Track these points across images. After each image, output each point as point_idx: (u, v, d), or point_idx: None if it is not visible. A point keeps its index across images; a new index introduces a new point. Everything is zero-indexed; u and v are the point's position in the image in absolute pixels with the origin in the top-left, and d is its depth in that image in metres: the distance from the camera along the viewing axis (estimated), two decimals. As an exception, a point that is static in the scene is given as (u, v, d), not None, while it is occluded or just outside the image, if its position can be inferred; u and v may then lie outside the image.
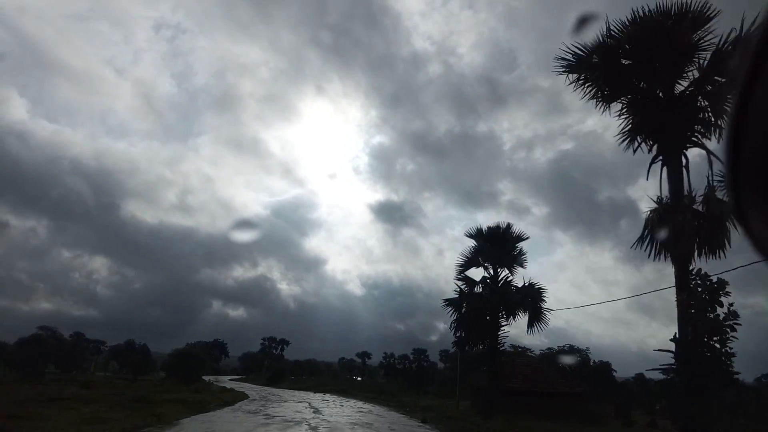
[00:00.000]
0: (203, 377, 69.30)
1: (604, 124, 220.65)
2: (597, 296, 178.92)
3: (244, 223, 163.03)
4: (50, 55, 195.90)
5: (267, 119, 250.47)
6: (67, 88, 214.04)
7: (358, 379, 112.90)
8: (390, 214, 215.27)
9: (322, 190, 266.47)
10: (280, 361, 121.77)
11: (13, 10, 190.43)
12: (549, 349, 50.41)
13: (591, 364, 49.76)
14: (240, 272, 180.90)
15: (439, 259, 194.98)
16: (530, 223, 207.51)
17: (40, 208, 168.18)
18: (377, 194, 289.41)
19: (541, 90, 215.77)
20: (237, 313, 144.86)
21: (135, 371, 67.52)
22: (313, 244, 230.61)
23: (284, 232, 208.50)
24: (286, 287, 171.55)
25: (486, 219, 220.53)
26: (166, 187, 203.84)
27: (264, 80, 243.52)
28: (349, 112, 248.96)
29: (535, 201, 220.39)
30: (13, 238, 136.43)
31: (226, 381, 78.51)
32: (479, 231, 30.74)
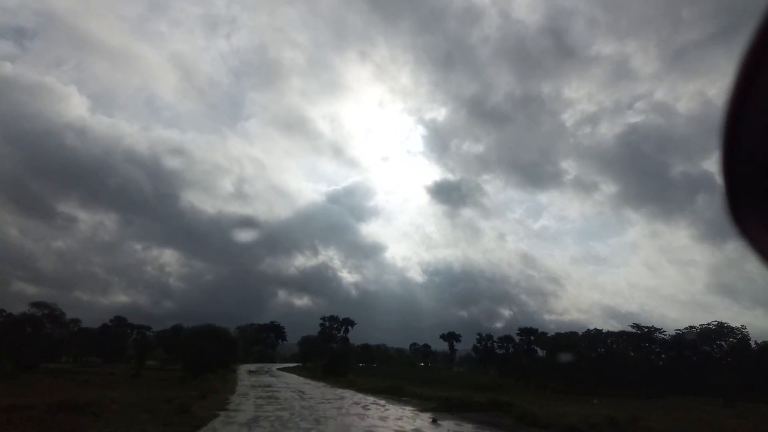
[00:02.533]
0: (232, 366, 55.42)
1: (676, 95, 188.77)
2: (672, 278, 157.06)
3: (300, 213, 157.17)
4: (83, 31, 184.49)
5: (312, 95, 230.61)
6: (106, 69, 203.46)
7: (458, 370, 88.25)
8: (447, 195, 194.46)
9: (375, 170, 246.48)
10: (345, 345, 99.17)
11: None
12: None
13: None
14: (302, 261, 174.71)
15: (500, 243, 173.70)
16: (598, 202, 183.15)
17: (106, 203, 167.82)
18: (432, 173, 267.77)
19: (605, 58, 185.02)
20: (302, 301, 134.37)
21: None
22: (371, 230, 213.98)
23: (341, 218, 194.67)
24: (347, 275, 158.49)
25: (549, 200, 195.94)
26: (221, 175, 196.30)
27: (305, 50, 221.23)
28: (398, 80, 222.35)
29: (603, 179, 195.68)
30: (84, 232, 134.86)
31: (271, 370, 55.46)
32: None
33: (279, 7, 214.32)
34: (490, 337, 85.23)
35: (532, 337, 75.89)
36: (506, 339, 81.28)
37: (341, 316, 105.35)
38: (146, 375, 52.12)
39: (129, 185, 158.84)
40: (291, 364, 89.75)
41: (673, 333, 60.15)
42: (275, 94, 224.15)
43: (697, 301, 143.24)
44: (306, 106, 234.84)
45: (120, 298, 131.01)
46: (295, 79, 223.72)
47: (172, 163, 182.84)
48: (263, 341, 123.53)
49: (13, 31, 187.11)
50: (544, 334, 73.84)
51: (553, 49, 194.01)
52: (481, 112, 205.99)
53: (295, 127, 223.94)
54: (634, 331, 62.21)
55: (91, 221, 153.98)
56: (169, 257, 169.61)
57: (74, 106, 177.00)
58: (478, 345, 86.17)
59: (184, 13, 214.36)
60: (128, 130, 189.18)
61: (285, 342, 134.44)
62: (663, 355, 59.79)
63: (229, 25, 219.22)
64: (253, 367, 72.86)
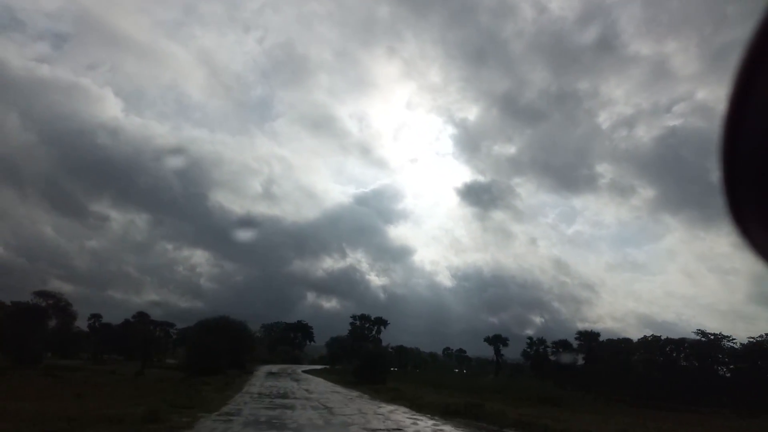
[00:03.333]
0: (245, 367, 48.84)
1: (716, 96, 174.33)
2: (711, 286, 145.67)
3: (328, 215, 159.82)
4: (116, 29, 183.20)
5: (339, 92, 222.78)
6: (137, 68, 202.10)
7: (493, 377, 79.18)
8: (477, 197, 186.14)
9: (403, 171, 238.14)
10: (377, 346, 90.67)
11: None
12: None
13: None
14: (330, 263, 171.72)
15: (532, 247, 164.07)
16: (634, 207, 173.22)
17: (137, 202, 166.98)
18: (462, 174, 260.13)
19: (643, 58, 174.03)
20: (330, 304, 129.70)
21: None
22: (399, 232, 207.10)
23: (369, 220, 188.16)
24: (375, 278, 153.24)
25: (583, 204, 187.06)
26: (249, 175, 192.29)
27: (332, 45, 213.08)
28: (427, 76, 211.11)
29: (640, 183, 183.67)
30: (117, 231, 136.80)
31: (295, 372, 47.51)
32: None
33: (306, 2, 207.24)
34: (542, 341, 75.52)
35: (592, 343, 66.07)
36: (562, 344, 71.53)
37: (373, 316, 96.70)
38: (152, 374, 44.94)
39: (159, 185, 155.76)
40: (318, 366, 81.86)
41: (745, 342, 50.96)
42: (303, 91, 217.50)
43: (737, 311, 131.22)
44: (333, 104, 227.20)
45: (152, 297, 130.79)
46: (323, 75, 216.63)
47: (201, 162, 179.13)
48: (290, 341, 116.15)
49: (52, 35, 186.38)
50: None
51: (589, 45, 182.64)
52: (513, 110, 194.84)
53: (323, 125, 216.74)
54: (698, 338, 53.51)
55: (123, 220, 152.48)
56: (199, 257, 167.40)
57: (108, 107, 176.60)
58: (528, 350, 76.54)
59: (211, 10, 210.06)
60: (159, 130, 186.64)
61: (313, 343, 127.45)
62: (731, 366, 51.85)
63: (257, 21, 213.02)
64: (275, 368, 65.15)
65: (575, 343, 68.24)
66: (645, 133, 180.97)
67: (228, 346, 44.02)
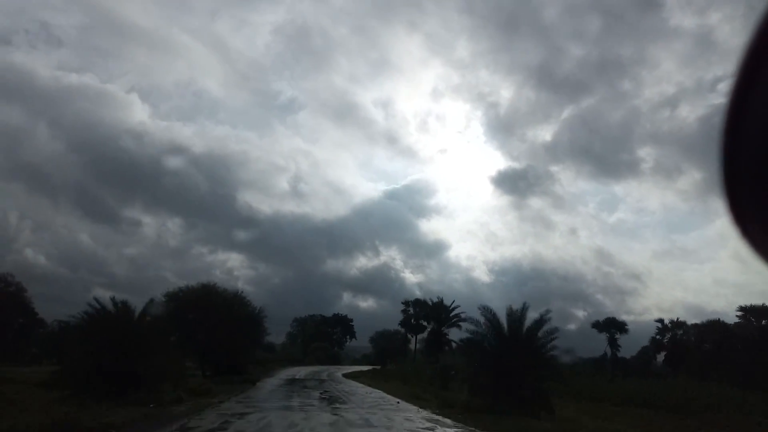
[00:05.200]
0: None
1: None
2: (766, 273, 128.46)
3: (358, 210, 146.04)
4: (121, 19, 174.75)
5: (360, 77, 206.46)
6: (155, 63, 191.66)
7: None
8: (513, 184, 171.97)
9: (434, 161, 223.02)
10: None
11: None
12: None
13: None
14: (363, 261, 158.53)
15: (572, 238, 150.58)
16: (679, 190, 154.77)
17: (168, 206, 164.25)
18: (496, 161, 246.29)
19: (686, 33, 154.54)
20: (366, 303, 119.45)
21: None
22: (433, 227, 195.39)
23: (401, 216, 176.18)
24: (410, 275, 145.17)
25: (625, 191, 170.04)
26: (276, 172, 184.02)
27: (349, 24, 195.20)
28: (453, 51, 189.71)
29: (686, 165, 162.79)
30: (151, 236, 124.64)
31: (333, 377, 26.55)
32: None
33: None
34: (680, 324, 52.98)
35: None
36: (705, 327, 48.98)
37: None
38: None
39: (188, 187, 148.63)
40: (364, 367, 61.42)
41: None
42: (323, 78, 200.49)
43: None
44: (355, 90, 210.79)
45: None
46: (342, 59, 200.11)
47: (227, 162, 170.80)
48: (327, 337, 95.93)
49: (77, 43, 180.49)
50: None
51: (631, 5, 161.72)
52: (549, 84, 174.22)
53: (346, 115, 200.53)
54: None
55: (156, 224, 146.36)
56: (235, 260, 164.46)
57: (135, 112, 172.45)
58: (658, 337, 54.07)
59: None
60: (184, 132, 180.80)
61: (354, 340, 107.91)
62: None
63: (271, 5, 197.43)
64: (303, 371, 44.93)
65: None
66: (689, 113, 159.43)
67: (211, 338, 23.93)
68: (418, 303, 74.00)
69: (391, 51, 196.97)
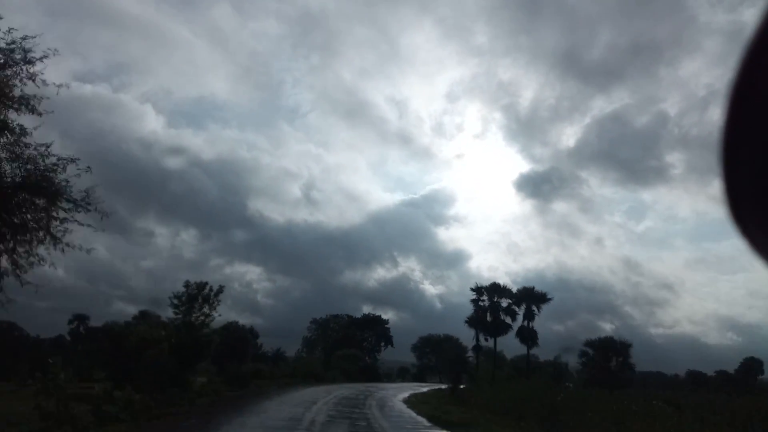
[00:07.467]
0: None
1: None
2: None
3: (373, 218, 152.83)
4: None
5: (371, 71, 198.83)
6: (165, 69, 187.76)
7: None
8: (536, 188, 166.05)
9: (451, 164, 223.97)
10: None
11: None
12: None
13: None
14: (382, 273, 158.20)
15: (599, 247, 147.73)
16: (710, 197, 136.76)
17: (181, 216, 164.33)
18: (518, 164, 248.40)
19: (716, 32, 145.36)
20: (387, 316, 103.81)
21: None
22: (452, 235, 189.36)
23: (418, 224, 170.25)
24: (429, 287, 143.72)
25: (653, 198, 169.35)
26: (287, 179, 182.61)
27: (356, 12, 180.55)
28: (471, 35, 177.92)
29: (717, 170, 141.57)
30: (165, 248, 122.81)
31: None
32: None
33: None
34: None
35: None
36: None
37: (428, 331, 52.73)
38: None
39: (200, 196, 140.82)
40: (425, 386, 38.21)
41: None
42: (331, 74, 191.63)
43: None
44: (366, 87, 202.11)
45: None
46: (351, 52, 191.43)
47: (238, 170, 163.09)
48: (356, 343, 72.39)
49: (93, 54, 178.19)
50: None
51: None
52: (574, 74, 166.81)
53: (357, 113, 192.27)
54: None
55: (169, 235, 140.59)
56: (253, 273, 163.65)
57: (148, 122, 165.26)
58: None
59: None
60: (194, 140, 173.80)
61: (391, 347, 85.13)
62: None
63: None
64: (322, 398, 21.43)
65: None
66: (719, 116, 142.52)
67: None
68: (496, 289, 50.00)
69: (401, 41, 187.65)
